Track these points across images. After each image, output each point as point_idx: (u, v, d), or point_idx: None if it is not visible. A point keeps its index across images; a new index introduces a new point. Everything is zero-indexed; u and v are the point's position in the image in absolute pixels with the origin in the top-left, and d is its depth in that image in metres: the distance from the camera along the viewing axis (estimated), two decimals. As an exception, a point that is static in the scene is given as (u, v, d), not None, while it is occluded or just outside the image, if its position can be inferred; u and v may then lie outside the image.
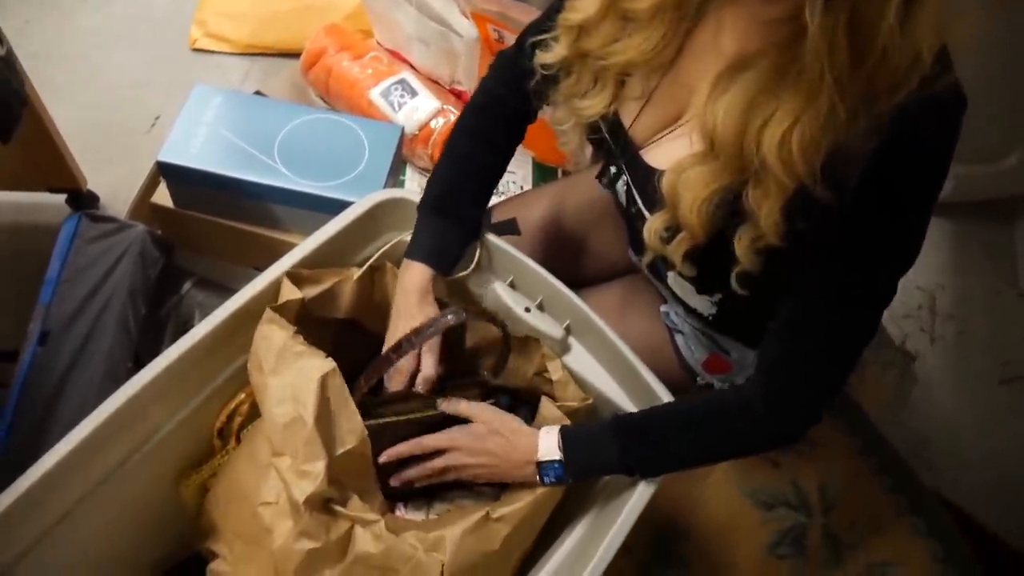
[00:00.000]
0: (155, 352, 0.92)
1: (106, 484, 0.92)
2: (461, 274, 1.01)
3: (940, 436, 1.67)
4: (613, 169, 0.99)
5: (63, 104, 1.93)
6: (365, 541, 0.85)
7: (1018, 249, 1.93)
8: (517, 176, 1.75)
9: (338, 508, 0.85)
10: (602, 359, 1.00)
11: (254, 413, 1.01)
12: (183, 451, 1.01)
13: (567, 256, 1.20)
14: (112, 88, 2.00)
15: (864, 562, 1.28)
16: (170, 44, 2.09)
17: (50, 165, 1.63)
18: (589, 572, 0.84)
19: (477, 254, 1.02)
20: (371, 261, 1.01)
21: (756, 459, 1.33)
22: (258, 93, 1.87)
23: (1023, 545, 1.41)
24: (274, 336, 0.89)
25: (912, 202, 0.75)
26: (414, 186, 1.73)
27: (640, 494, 0.89)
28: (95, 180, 1.81)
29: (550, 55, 0.91)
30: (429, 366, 0.97)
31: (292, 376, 0.87)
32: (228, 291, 1.58)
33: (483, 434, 0.92)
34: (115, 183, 1.78)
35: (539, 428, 0.92)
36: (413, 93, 1.71)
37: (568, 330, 1.01)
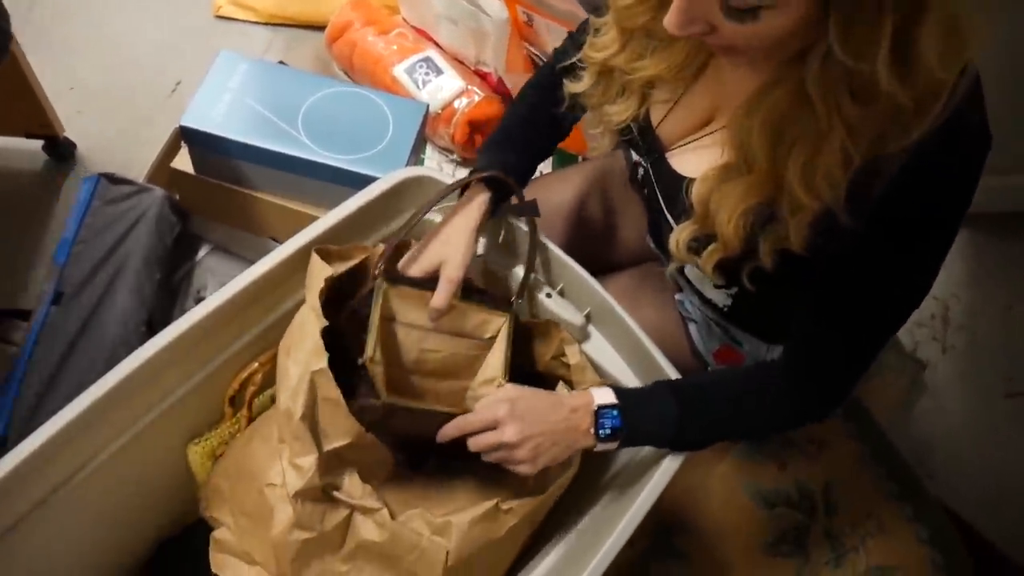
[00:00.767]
0: (167, 317, 0.92)
1: (115, 447, 0.91)
2: (480, 254, 1.01)
3: (944, 445, 1.67)
4: (641, 171, 0.99)
5: (84, 65, 1.93)
6: (367, 529, 0.85)
7: (1034, 262, 1.92)
8: (537, 161, 1.74)
9: (337, 495, 0.85)
10: (620, 347, 1.00)
11: (267, 383, 1.01)
12: (194, 417, 1.01)
13: (587, 241, 1.19)
14: (133, 52, 1.99)
15: (864, 565, 1.27)
16: (194, 10, 2.08)
17: (27, 111, 1.62)
18: (604, 552, 0.84)
19: (502, 232, 1.01)
20: (401, 235, 0.98)
21: (763, 458, 1.33)
22: (281, 64, 1.86)
23: (1022, 557, 1.41)
24: (307, 325, 0.88)
25: (923, 236, 0.75)
26: (434, 166, 1.73)
27: (664, 470, 0.89)
28: (112, 141, 1.81)
29: (579, 85, 0.93)
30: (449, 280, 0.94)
31: (301, 367, 0.86)
32: (243, 260, 1.59)
33: (526, 395, 0.88)
34: (132, 146, 1.78)
35: None
36: (438, 71, 1.70)
37: (588, 318, 1.00)
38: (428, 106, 1.46)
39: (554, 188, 1.21)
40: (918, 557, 1.28)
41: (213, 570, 0.96)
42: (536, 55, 1.74)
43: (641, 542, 1.26)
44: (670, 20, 0.69)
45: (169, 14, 2.06)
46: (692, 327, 1.11)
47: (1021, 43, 1.42)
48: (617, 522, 0.85)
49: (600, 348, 1.01)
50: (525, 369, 1.03)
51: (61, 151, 1.74)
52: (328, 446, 0.85)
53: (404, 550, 0.84)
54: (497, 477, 0.95)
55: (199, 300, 0.93)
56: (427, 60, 1.72)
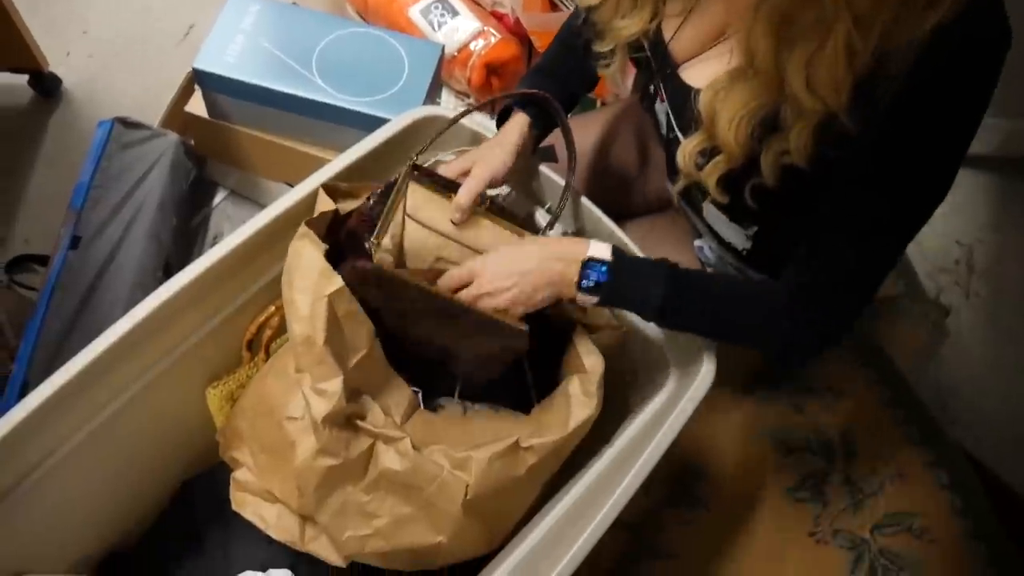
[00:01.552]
0: (184, 263, 0.92)
1: (133, 391, 0.92)
2: (500, 192, 0.99)
3: (967, 392, 1.66)
4: (652, 88, 0.97)
5: (96, 9, 1.91)
6: (389, 458, 0.85)
7: (1061, 208, 1.89)
8: (556, 105, 1.71)
9: (360, 424, 0.85)
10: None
11: (283, 327, 1.01)
12: (211, 361, 1.02)
13: (607, 186, 1.18)
14: (146, -5, 1.97)
15: (883, 510, 1.27)
16: (206, -48, 2.05)
17: (10, 45, 1.61)
18: (617, 496, 0.84)
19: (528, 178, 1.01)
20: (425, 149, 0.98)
21: (780, 403, 1.32)
22: (294, 4, 1.83)
23: (1043, 504, 1.40)
24: (304, 252, 0.88)
25: (942, 131, 0.73)
26: (451, 106, 1.70)
27: (679, 414, 0.88)
28: (126, 85, 1.80)
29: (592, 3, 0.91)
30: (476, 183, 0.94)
31: (311, 293, 0.86)
32: (259, 205, 1.58)
33: (505, 249, 0.88)
34: (146, 90, 1.77)
35: (569, 359, 0.91)
36: (454, 13, 1.67)
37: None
38: (444, 47, 1.43)
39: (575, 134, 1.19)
40: (938, 502, 1.27)
41: (234, 509, 0.97)
42: (554, -6, 1.70)
43: (658, 489, 1.26)
44: None
45: (181, -43, 2.04)
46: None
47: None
48: (630, 467, 0.85)
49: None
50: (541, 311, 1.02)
51: (47, 86, 1.73)
52: (352, 359, 0.85)
53: (424, 481, 0.84)
54: (519, 418, 0.95)
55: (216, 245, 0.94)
56: (442, 1, 1.68)
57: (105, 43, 1.86)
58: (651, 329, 0.98)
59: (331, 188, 0.94)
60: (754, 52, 0.73)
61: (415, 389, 0.95)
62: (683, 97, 0.87)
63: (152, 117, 1.59)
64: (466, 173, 0.95)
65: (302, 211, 0.94)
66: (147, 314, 0.86)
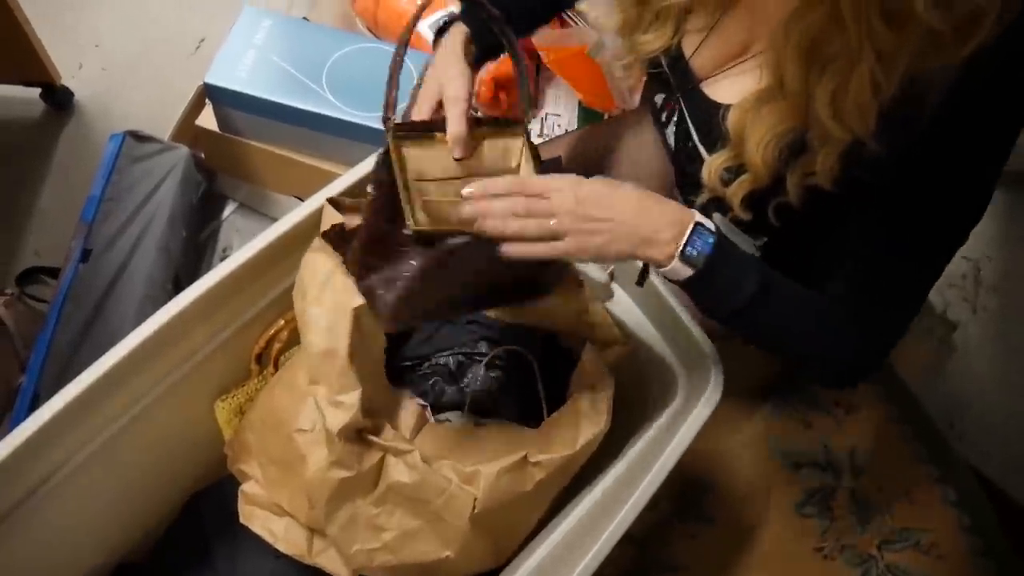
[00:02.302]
0: (194, 276, 0.93)
1: (143, 405, 0.92)
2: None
3: (974, 408, 1.66)
4: (661, 101, 0.97)
5: (109, 23, 1.93)
6: (398, 470, 0.85)
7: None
8: (563, 119, 1.72)
9: (372, 438, 0.86)
10: (644, 305, 0.99)
11: (293, 340, 1.02)
12: (221, 374, 1.02)
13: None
14: (158, 8, 1.98)
15: (890, 527, 1.27)
16: (218, -34, 2.07)
17: (22, 59, 1.61)
18: (624, 513, 0.84)
19: None
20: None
21: (789, 419, 1.32)
22: (305, 20, 1.85)
23: (1051, 520, 1.40)
24: (319, 265, 0.88)
25: (985, 150, 0.73)
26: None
27: (687, 429, 0.88)
28: (137, 98, 1.81)
29: (613, 21, 0.92)
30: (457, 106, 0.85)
31: (330, 307, 0.86)
32: (268, 219, 1.59)
33: (601, 180, 0.76)
34: (157, 104, 1.78)
35: (578, 375, 0.91)
36: (463, 28, 1.68)
37: (612, 276, 0.99)
38: (453, 63, 1.44)
39: (575, 146, 1.20)
40: (946, 519, 1.27)
41: (242, 521, 0.97)
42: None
43: (665, 504, 1.26)
44: None
45: (194, -29, 2.06)
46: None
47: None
48: (638, 483, 0.85)
49: (623, 305, 1.00)
50: (547, 328, 1.02)
51: (59, 99, 1.75)
52: (365, 375, 0.85)
53: (433, 494, 0.85)
54: (527, 434, 0.96)
55: (225, 258, 0.93)
56: (452, 15, 1.69)
57: (117, 56, 1.88)
58: (659, 345, 0.98)
59: (336, 202, 0.95)
60: (783, 74, 0.74)
61: (423, 403, 0.95)
62: (708, 112, 0.88)
63: (163, 130, 1.61)
64: (437, 104, 0.88)
65: (311, 225, 0.95)
66: (157, 328, 0.87)
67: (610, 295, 1.00)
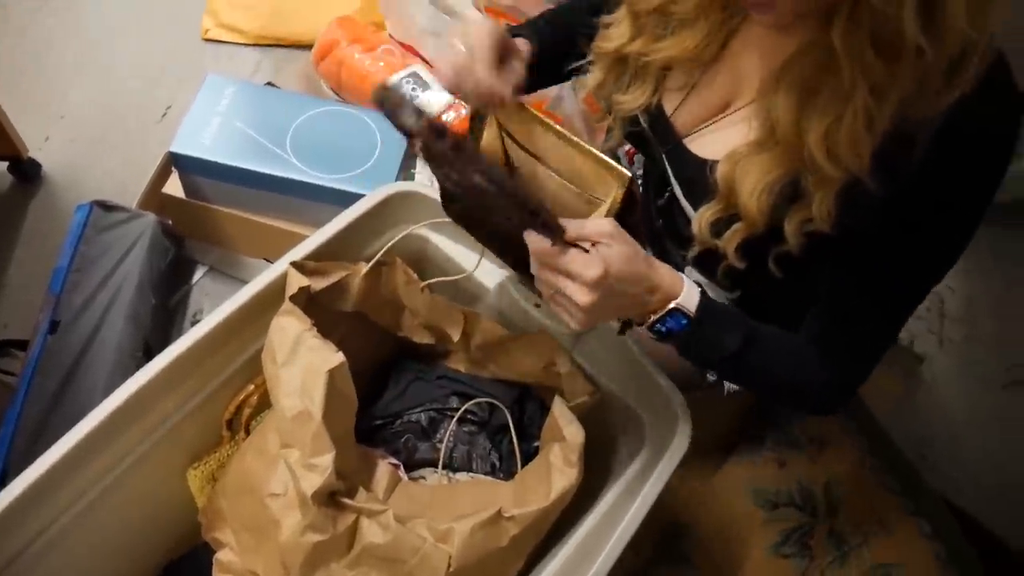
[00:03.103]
0: (165, 342, 0.93)
1: (114, 475, 0.92)
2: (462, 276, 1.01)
3: (944, 438, 1.67)
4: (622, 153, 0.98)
5: (75, 92, 1.95)
6: (372, 532, 0.85)
7: (1028, 253, 1.92)
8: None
9: (345, 500, 0.86)
10: (611, 354, 1.00)
11: (263, 404, 1.02)
12: (192, 442, 1.02)
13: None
14: (123, 77, 2.00)
15: (868, 562, 1.27)
16: (182, 34, 2.10)
17: None
18: (602, 560, 0.84)
19: (482, 252, 1.02)
20: (378, 256, 1.01)
21: (762, 459, 1.33)
22: (270, 84, 1.87)
23: (1025, 547, 1.41)
24: (290, 328, 0.89)
25: (959, 201, 0.75)
26: (425, 180, 1.73)
27: (658, 476, 0.89)
28: (105, 168, 1.82)
29: (591, 80, 0.93)
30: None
31: (303, 369, 0.87)
32: (238, 282, 1.59)
33: (625, 269, 0.74)
34: (125, 172, 1.79)
35: (550, 427, 0.91)
36: (425, 86, 1.71)
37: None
38: (416, 121, 1.47)
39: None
40: (922, 551, 1.27)
41: (217, 591, 0.96)
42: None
43: (646, 548, 1.26)
44: None
45: (158, 39, 2.09)
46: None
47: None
48: (611, 533, 0.86)
49: (591, 354, 1.01)
50: (515, 380, 1.03)
51: (26, 171, 1.75)
52: (338, 437, 0.85)
53: (407, 553, 0.84)
54: (501, 488, 0.96)
55: (196, 323, 0.94)
56: (414, 75, 1.73)
57: (83, 127, 1.89)
58: (629, 395, 0.99)
59: (300, 266, 0.96)
60: (775, 123, 0.75)
61: (395, 462, 0.96)
62: (694, 168, 0.88)
63: (131, 197, 1.61)
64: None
65: (279, 288, 0.95)
66: (126, 398, 0.87)
67: (577, 344, 1.01)
